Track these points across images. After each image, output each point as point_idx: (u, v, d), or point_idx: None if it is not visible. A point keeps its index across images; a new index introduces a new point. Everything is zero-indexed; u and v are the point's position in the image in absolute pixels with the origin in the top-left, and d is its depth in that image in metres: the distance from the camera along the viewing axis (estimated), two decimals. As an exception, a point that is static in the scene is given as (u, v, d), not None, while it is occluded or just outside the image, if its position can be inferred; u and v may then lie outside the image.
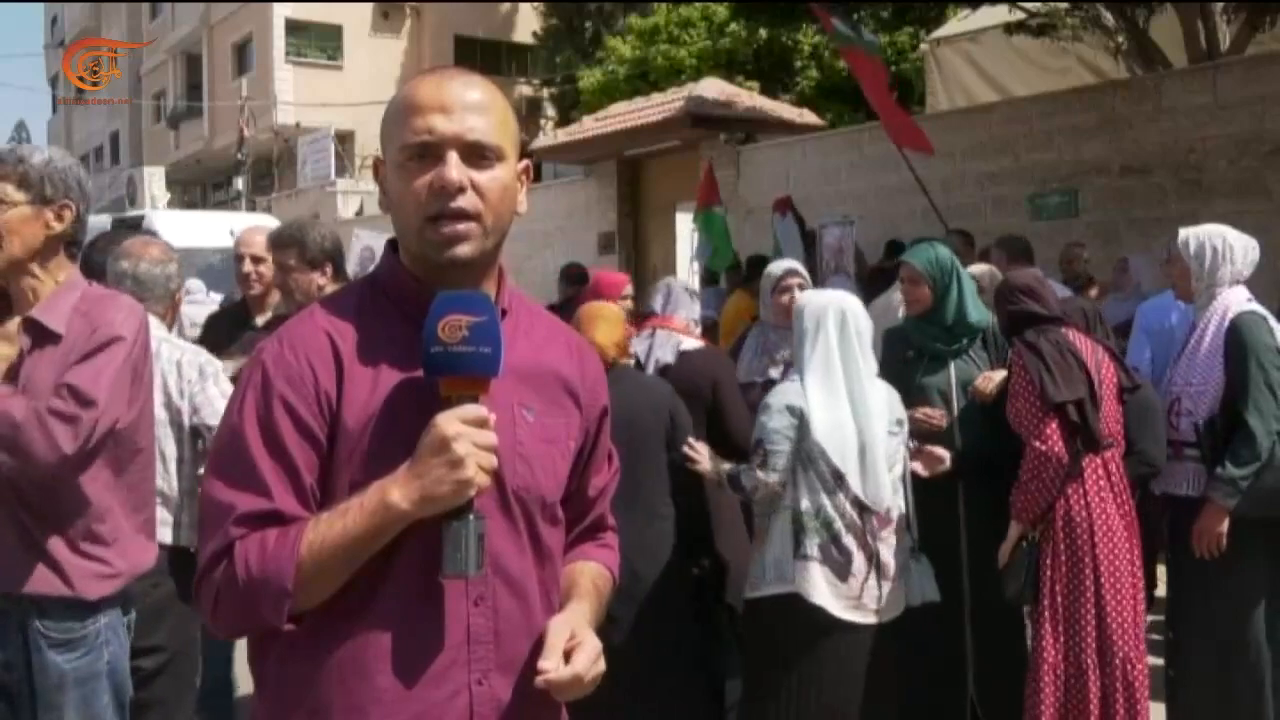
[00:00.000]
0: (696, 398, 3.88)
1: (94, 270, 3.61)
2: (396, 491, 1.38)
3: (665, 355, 4.13)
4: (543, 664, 1.42)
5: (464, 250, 1.46)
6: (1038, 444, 3.49)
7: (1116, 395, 3.65)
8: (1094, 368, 3.60)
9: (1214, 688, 3.74)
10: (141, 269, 3.14)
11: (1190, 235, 3.91)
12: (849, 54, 9.48)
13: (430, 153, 1.45)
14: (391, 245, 1.57)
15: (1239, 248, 3.84)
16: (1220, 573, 3.70)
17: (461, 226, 1.45)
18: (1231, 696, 3.71)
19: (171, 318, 3.23)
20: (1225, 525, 3.63)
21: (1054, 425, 3.49)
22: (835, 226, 9.07)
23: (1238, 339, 3.71)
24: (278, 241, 3.75)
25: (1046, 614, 3.54)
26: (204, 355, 3.08)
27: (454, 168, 1.44)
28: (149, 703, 2.95)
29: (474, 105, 1.47)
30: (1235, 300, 3.80)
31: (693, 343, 4.22)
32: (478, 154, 1.47)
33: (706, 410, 3.94)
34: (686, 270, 13.14)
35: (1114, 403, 3.64)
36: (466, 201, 1.45)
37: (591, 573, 1.66)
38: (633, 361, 4.03)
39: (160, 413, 2.95)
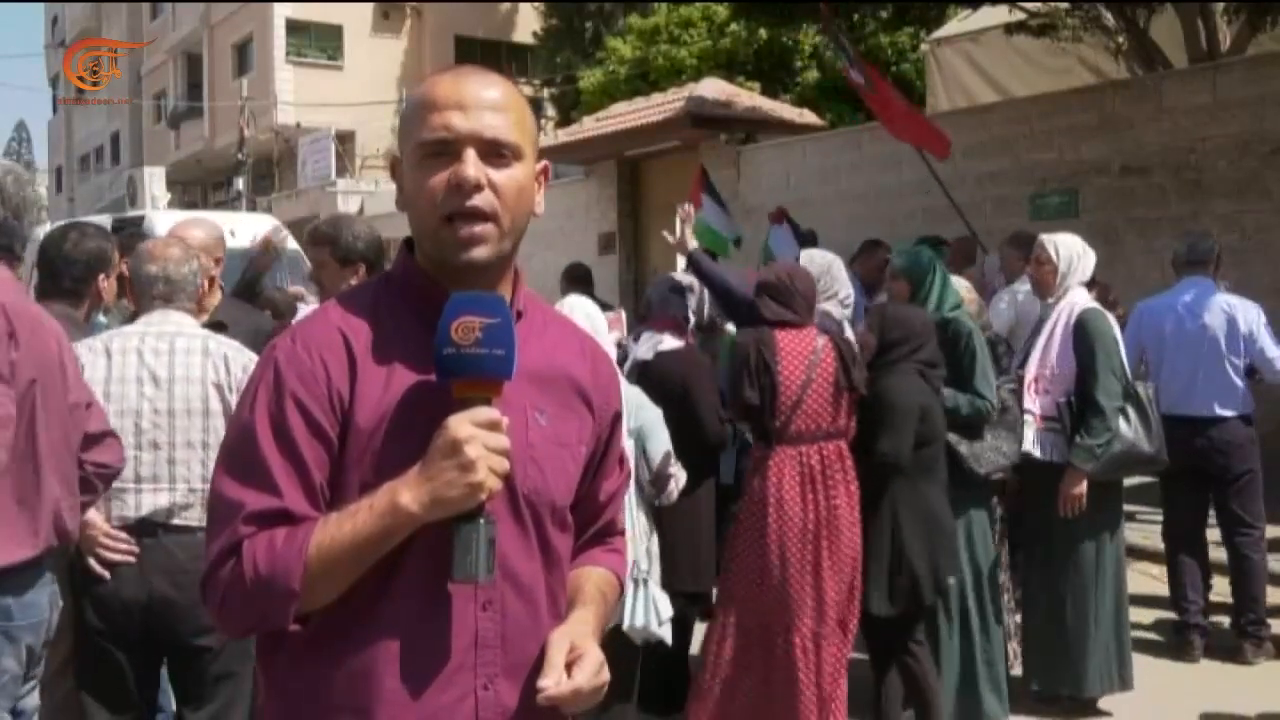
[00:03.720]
0: (667, 397, 4.03)
1: (54, 265, 3.55)
2: (407, 494, 1.37)
3: (644, 354, 4.37)
4: (542, 681, 1.40)
5: (480, 253, 1.45)
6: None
7: (830, 393, 3.83)
8: (802, 368, 3.81)
9: (1053, 625, 4.55)
10: (170, 270, 3.19)
11: (1057, 242, 4.69)
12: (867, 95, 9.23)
13: (447, 150, 1.44)
14: (406, 244, 1.56)
15: (1088, 255, 4.67)
16: (1067, 531, 4.48)
17: (478, 228, 1.44)
18: (1065, 628, 4.51)
19: (198, 313, 3.28)
20: (1084, 487, 4.39)
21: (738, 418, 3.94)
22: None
23: (1084, 331, 4.47)
24: (314, 237, 3.76)
25: (725, 581, 3.92)
26: (246, 351, 3.13)
27: (471, 165, 1.43)
28: (221, 675, 3.05)
29: (492, 103, 1.46)
30: (1080, 298, 4.60)
31: (671, 343, 4.42)
32: (495, 152, 1.45)
33: (677, 409, 4.07)
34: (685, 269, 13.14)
35: (825, 400, 3.82)
36: (483, 200, 1.44)
37: (597, 579, 1.64)
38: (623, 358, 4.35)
39: (216, 404, 3.02)
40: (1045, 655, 4.60)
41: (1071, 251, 4.64)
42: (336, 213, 4.40)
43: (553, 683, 1.40)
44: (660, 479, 3.79)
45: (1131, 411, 4.48)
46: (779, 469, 3.82)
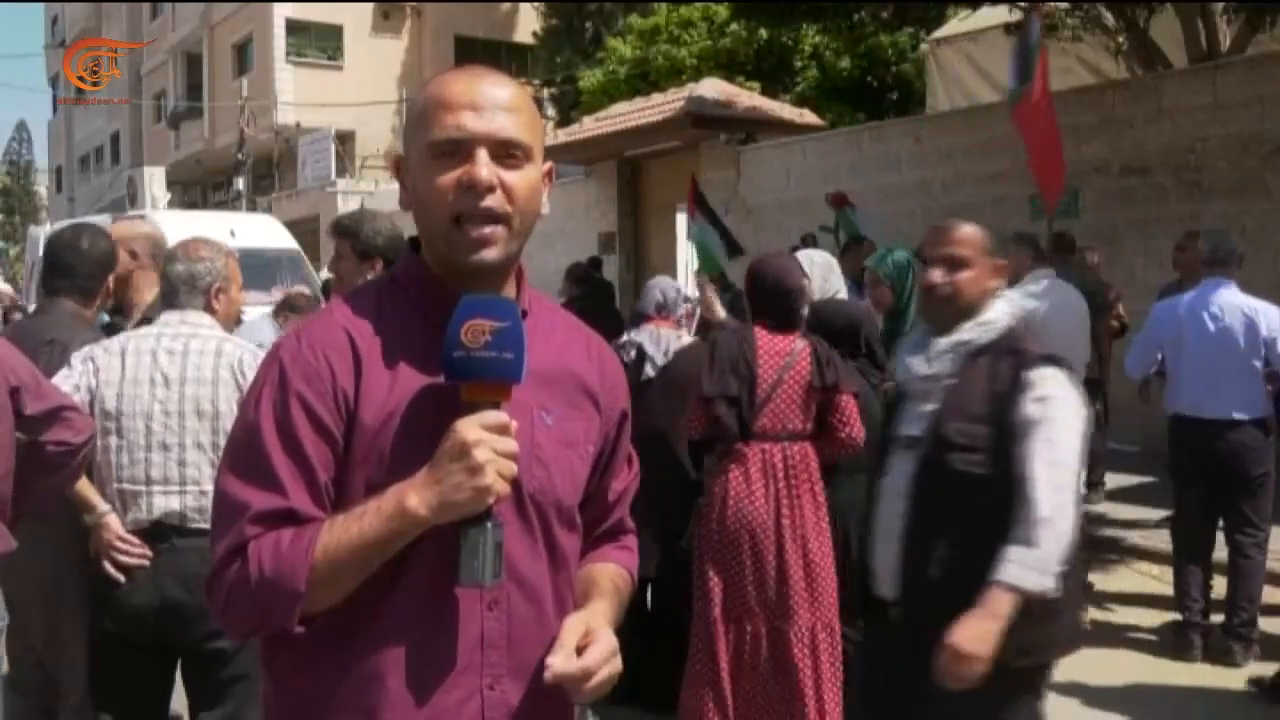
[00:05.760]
0: (689, 388, 4.15)
1: (69, 263, 3.59)
2: (414, 496, 1.36)
3: (673, 346, 4.65)
4: (550, 659, 1.40)
5: (491, 254, 1.45)
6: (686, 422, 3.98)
7: (801, 395, 3.86)
8: (776, 368, 3.85)
9: None
10: (180, 269, 3.19)
11: (804, 255, 4.84)
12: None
13: (459, 150, 1.43)
14: (412, 244, 1.56)
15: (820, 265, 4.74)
16: None
17: (488, 230, 1.44)
18: None
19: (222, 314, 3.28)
20: None
21: (699, 411, 3.92)
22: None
23: None
24: (337, 228, 3.77)
25: (695, 575, 3.95)
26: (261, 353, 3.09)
27: (484, 166, 1.42)
28: (235, 677, 3.02)
29: (504, 104, 1.46)
30: None
31: (687, 339, 4.79)
32: (508, 152, 1.44)
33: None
34: (685, 270, 13.15)
35: (793, 401, 3.87)
36: (495, 201, 1.43)
37: (611, 573, 1.64)
38: (634, 353, 4.58)
39: (226, 406, 2.98)
40: None
41: (816, 262, 4.81)
42: (362, 208, 4.43)
43: (560, 660, 1.39)
44: None
45: None
46: (741, 463, 3.90)
